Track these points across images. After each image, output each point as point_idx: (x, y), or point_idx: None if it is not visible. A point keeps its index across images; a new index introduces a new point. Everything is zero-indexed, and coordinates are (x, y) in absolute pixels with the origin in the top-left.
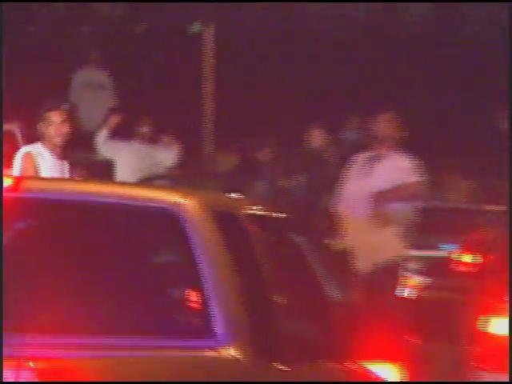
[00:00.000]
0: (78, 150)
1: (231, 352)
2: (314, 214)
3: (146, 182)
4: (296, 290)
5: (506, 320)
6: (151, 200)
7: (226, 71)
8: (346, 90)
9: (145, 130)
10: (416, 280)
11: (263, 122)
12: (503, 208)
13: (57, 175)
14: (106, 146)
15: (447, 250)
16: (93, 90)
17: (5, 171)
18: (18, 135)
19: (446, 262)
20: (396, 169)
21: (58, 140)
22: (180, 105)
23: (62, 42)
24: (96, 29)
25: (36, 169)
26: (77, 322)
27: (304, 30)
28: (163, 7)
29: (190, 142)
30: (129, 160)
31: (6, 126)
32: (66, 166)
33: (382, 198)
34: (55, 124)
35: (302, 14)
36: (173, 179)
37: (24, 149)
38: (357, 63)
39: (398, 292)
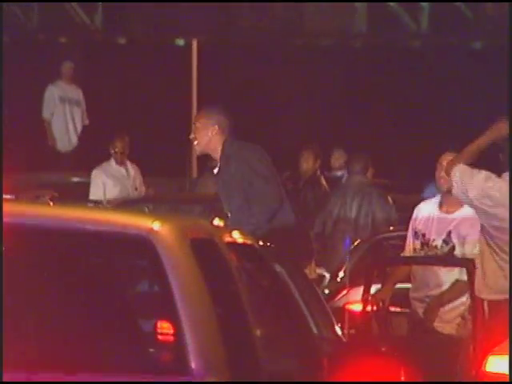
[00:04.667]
0: (49, 170)
1: None
2: (305, 238)
3: (125, 205)
4: (277, 322)
5: None
6: (124, 226)
7: (212, 90)
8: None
9: (120, 149)
10: None
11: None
12: None
13: None
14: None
15: None
16: (68, 105)
17: None
18: None
19: None
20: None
21: None
22: (164, 125)
23: (36, 52)
24: (73, 39)
25: None
26: (37, 357)
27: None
28: (147, 18)
29: (173, 165)
30: (105, 181)
31: None
32: None
33: None
34: None
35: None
36: (155, 204)
37: None
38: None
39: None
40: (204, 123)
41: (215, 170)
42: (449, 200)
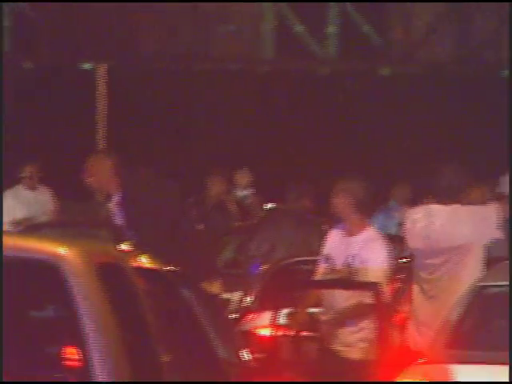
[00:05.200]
0: None
1: None
2: (212, 265)
3: (31, 230)
4: (184, 347)
5: None
6: (29, 250)
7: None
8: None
9: (29, 174)
10: None
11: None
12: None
13: None
14: None
15: None
16: None
17: None
18: None
19: None
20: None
21: None
22: (70, 148)
23: None
24: None
25: None
26: None
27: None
28: (54, 42)
29: (80, 188)
30: (12, 206)
31: None
32: None
33: None
34: None
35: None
36: (63, 228)
37: None
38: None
39: None
40: (95, 160)
41: (114, 202)
42: (350, 224)
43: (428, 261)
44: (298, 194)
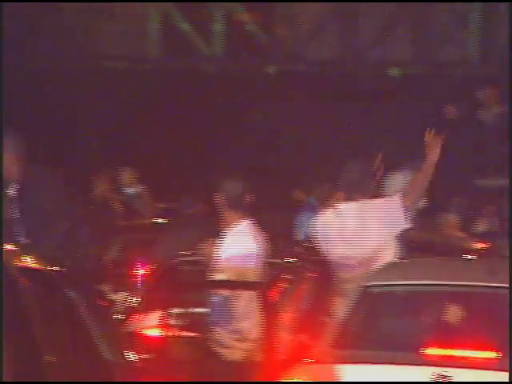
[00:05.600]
0: None
1: None
2: (97, 264)
3: None
4: (68, 348)
5: None
6: None
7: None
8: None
9: None
10: None
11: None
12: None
13: None
14: None
15: None
16: None
17: None
18: None
19: None
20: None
21: None
22: None
23: None
24: None
25: None
26: None
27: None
28: None
29: None
30: None
31: None
32: None
33: None
34: None
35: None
36: None
37: None
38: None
39: None
40: None
41: (11, 191)
42: (225, 221)
43: (344, 262)
44: (192, 199)
